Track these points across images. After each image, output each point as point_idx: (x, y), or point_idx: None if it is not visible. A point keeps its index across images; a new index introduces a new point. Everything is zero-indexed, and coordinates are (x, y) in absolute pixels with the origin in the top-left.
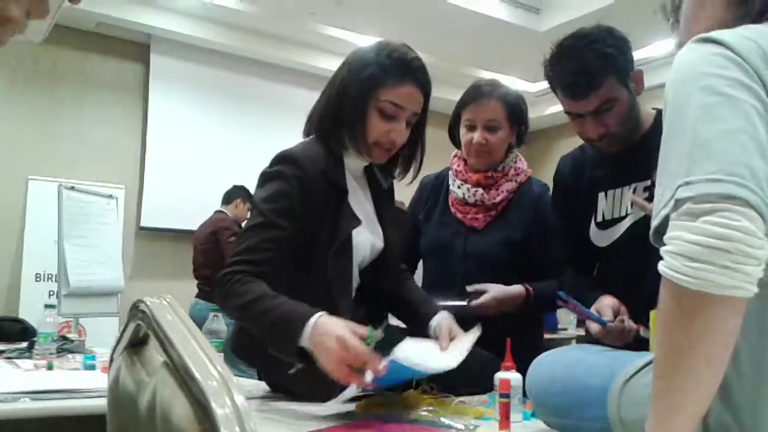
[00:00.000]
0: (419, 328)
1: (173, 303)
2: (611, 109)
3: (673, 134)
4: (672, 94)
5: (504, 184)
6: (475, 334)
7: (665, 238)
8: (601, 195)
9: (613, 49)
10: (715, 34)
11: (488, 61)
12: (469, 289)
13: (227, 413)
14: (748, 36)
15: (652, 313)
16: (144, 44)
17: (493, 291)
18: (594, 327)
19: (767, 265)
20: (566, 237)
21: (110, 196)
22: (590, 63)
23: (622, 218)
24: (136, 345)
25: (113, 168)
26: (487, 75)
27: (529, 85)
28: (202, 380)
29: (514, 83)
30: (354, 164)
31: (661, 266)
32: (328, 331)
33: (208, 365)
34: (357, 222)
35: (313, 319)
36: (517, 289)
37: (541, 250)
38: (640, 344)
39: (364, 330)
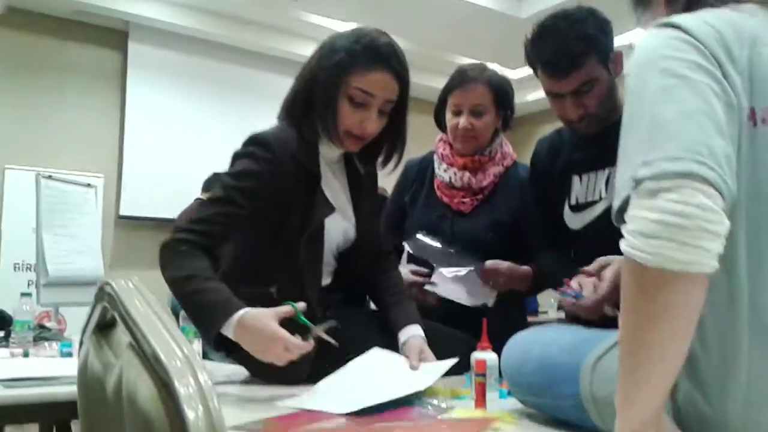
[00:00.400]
0: (390, 334)
1: (139, 285)
2: (591, 90)
3: (633, 116)
4: (632, 77)
5: (491, 168)
6: (450, 362)
7: (626, 217)
8: (576, 178)
9: (595, 30)
10: (674, 18)
11: (469, 48)
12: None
13: (191, 392)
14: (706, 20)
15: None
16: (122, 32)
17: (507, 264)
18: (569, 300)
19: (728, 241)
20: (543, 219)
21: (89, 185)
22: (572, 43)
23: (595, 202)
24: (103, 328)
25: (92, 157)
26: (467, 62)
27: (510, 72)
28: (166, 360)
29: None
30: (329, 151)
31: (622, 245)
32: (262, 329)
33: (173, 345)
34: (330, 210)
35: (237, 315)
36: (527, 268)
37: (529, 232)
38: (614, 323)
39: (289, 309)
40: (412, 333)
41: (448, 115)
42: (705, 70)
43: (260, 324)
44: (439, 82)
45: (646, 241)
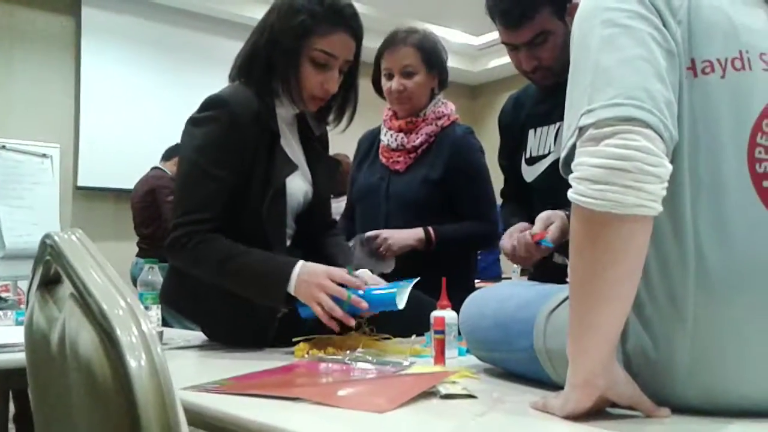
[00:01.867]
0: None
1: (82, 237)
2: (545, 42)
3: (577, 67)
4: (577, 29)
5: (424, 128)
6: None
7: (572, 165)
8: (531, 132)
9: None
10: None
11: (430, 14)
12: (367, 234)
13: (133, 341)
14: None
15: None
16: None
17: (385, 232)
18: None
19: (673, 187)
20: (509, 173)
21: (44, 155)
22: None
23: (545, 156)
24: (48, 284)
25: (47, 126)
26: (429, 27)
27: (472, 39)
28: (108, 309)
29: (457, 36)
30: (285, 111)
31: (569, 193)
32: (315, 272)
33: (115, 294)
34: (293, 167)
35: (297, 268)
36: (414, 230)
37: (460, 188)
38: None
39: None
40: (363, 272)
41: (383, 80)
42: (645, 18)
43: (315, 267)
44: None
45: (590, 186)
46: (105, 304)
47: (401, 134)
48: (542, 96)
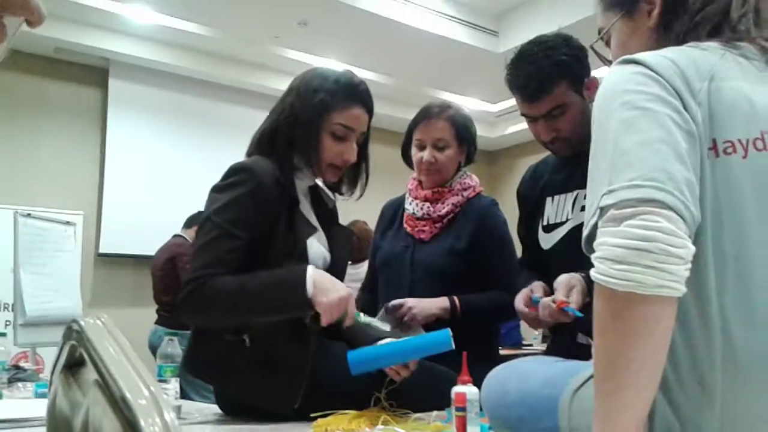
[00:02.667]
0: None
1: (107, 322)
2: (563, 114)
3: (597, 147)
4: (597, 110)
5: (450, 198)
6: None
7: (594, 245)
8: (549, 199)
9: (567, 56)
10: (636, 55)
11: (449, 83)
12: (392, 303)
13: (156, 431)
14: (665, 56)
15: None
16: (102, 69)
17: (410, 300)
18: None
19: (697, 267)
20: (526, 241)
21: (68, 223)
22: (544, 68)
23: (562, 223)
24: (72, 367)
25: (71, 194)
26: (448, 96)
27: (490, 106)
28: (132, 398)
29: (475, 104)
30: (301, 184)
31: (592, 272)
32: (334, 286)
33: (139, 383)
34: (312, 230)
35: (310, 271)
36: (439, 299)
37: (485, 259)
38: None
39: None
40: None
41: (414, 150)
42: (665, 101)
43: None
44: None
45: (613, 266)
46: (129, 393)
47: (427, 203)
48: (560, 165)
